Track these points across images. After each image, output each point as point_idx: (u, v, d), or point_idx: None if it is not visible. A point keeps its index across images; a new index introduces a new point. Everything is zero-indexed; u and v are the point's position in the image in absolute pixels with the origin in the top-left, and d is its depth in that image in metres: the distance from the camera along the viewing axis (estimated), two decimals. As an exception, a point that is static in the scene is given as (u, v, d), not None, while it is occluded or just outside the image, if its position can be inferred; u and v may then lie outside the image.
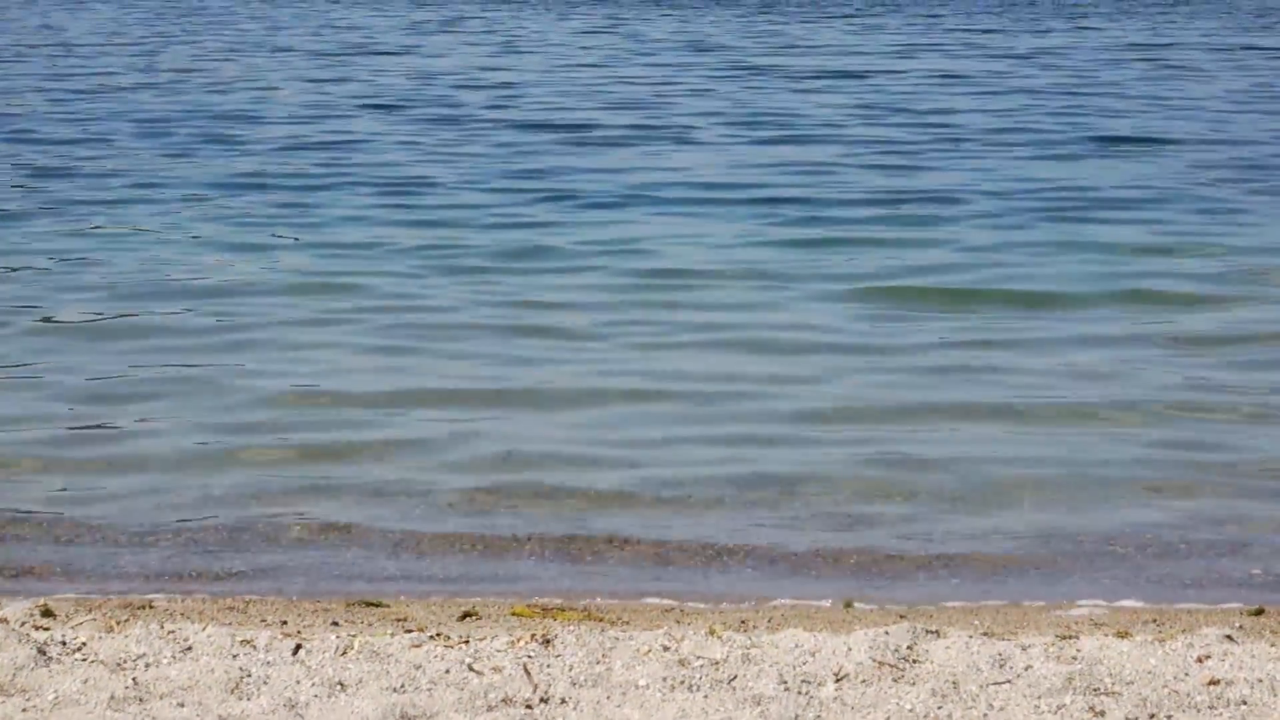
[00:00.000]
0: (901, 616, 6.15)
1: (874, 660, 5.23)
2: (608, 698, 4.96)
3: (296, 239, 13.01)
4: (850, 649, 5.32)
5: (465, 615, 6.21)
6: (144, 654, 5.30)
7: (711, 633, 5.58)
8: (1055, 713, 4.82)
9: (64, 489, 7.72)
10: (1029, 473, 7.84)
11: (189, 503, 7.52)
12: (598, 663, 5.24)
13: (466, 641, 5.48)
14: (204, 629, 5.57)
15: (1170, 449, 8.19)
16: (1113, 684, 5.05)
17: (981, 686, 5.04)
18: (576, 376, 9.37)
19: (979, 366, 9.45)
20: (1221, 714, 4.84)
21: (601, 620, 6.12)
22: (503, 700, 4.93)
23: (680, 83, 25.51)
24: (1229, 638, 5.53)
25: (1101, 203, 14.69)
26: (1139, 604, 6.49)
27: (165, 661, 5.25)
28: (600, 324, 10.42)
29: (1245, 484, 7.69)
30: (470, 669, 5.18)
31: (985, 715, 4.84)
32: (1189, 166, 16.56)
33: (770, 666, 5.18)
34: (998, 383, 9.08)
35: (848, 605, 6.46)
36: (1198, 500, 7.51)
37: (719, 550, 7.04)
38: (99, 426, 8.53)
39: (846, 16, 42.09)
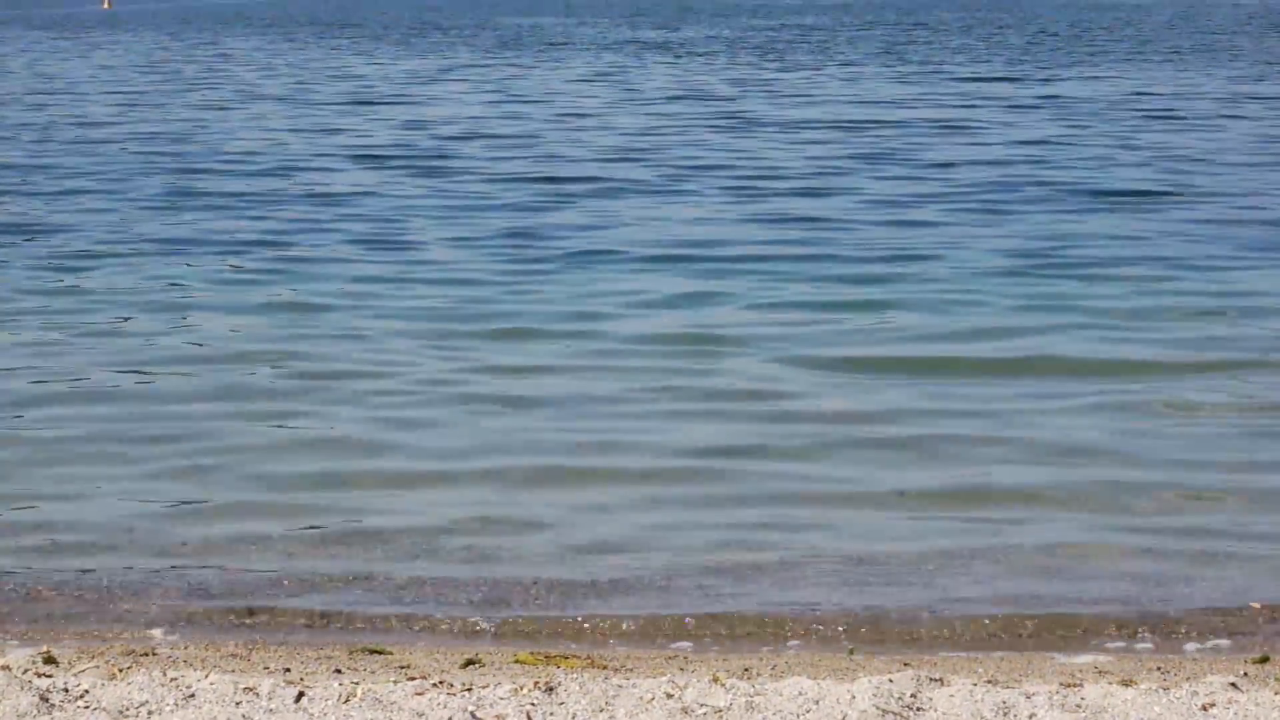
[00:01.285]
0: (905, 664, 6.15)
1: (878, 708, 5.22)
2: (611, 745, 4.96)
3: (273, 297, 12.83)
4: (854, 697, 5.31)
5: (468, 662, 6.20)
6: (146, 701, 5.29)
7: (715, 680, 5.57)
8: (1060, 761, 4.81)
9: (65, 534, 7.72)
10: (1030, 523, 7.83)
11: (191, 549, 7.52)
12: (601, 710, 5.23)
13: (470, 689, 5.47)
14: (206, 676, 5.56)
15: (1170, 494, 8.20)
16: (1117, 731, 5.05)
17: (986, 734, 5.04)
18: (570, 433, 9.37)
19: (964, 437, 9.32)
20: (1227, 762, 4.83)
21: (605, 668, 6.11)
22: (506, 748, 4.92)
23: (670, 132, 25.51)
24: (1234, 685, 5.52)
25: (1097, 261, 14.38)
26: (1143, 652, 6.48)
27: (168, 709, 5.25)
28: (583, 388, 10.33)
29: (1249, 532, 7.69)
30: (473, 716, 5.17)
31: (990, 763, 4.83)
32: (1190, 221, 16.39)
33: (774, 715, 5.17)
34: (988, 452, 8.90)
35: (851, 653, 6.46)
36: (1200, 548, 7.50)
37: (722, 595, 7.03)
38: (97, 476, 8.53)
39: (846, 64, 42.26)
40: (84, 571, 7.27)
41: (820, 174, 20.27)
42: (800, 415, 9.49)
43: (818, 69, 41.72)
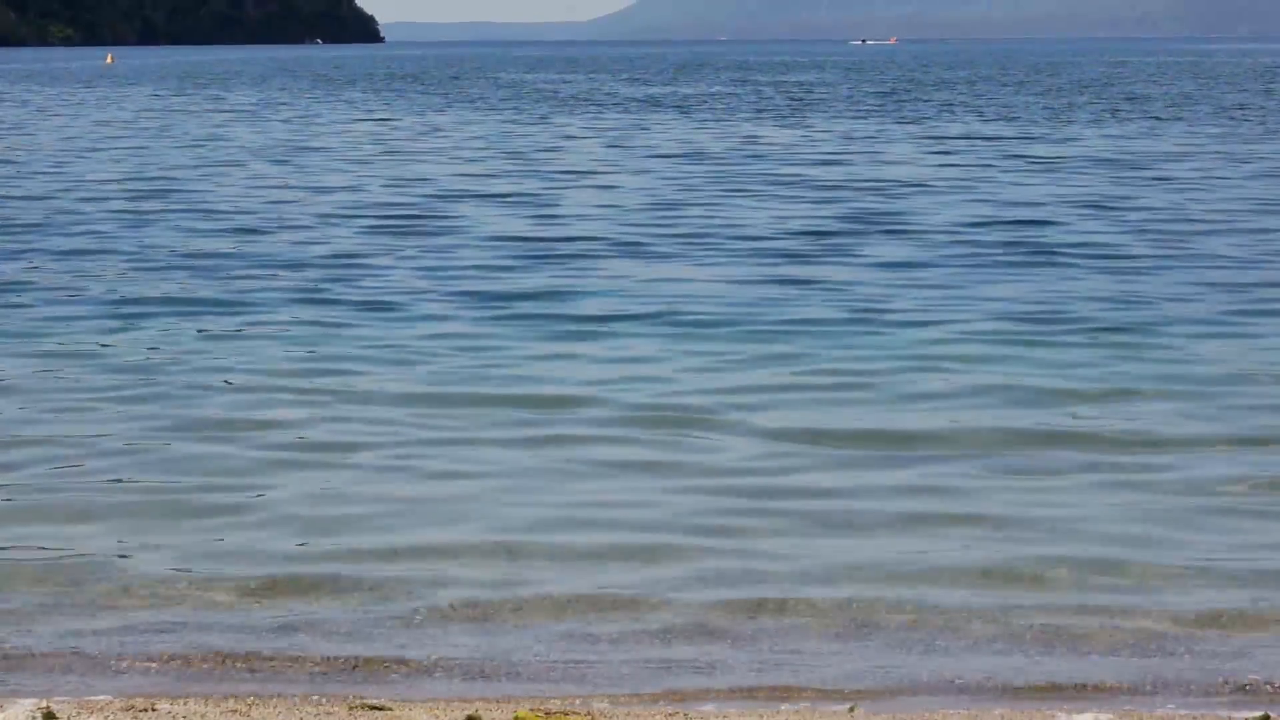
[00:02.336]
0: (907, 721, 6.14)
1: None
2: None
3: (258, 363, 12.62)
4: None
5: (468, 719, 6.18)
6: (148, 755, 5.28)
7: (717, 736, 5.55)
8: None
9: (66, 590, 7.70)
10: (1027, 585, 7.83)
11: (191, 604, 7.50)
12: (603, 766, 5.22)
13: (471, 744, 5.45)
14: (208, 730, 5.54)
15: (1171, 551, 8.21)
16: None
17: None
18: (565, 495, 9.40)
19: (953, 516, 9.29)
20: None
21: (605, 723, 6.10)
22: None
23: (668, 192, 25.51)
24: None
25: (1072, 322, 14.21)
26: (1141, 710, 6.48)
27: (170, 762, 5.23)
28: (575, 454, 10.31)
29: (1245, 590, 7.68)
30: (476, 771, 5.15)
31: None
32: (1180, 285, 16.15)
33: (777, 771, 5.16)
34: (984, 523, 8.80)
35: (851, 710, 6.45)
36: (1199, 604, 7.50)
37: (723, 651, 7.02)
38: (94, 533, 8.51)
39: (838, 117, 42.40)
40: (84, 626, 7.25)
41: (805, 234, 20.16)
42: (785, 491, 9.22)
43: (815, 126, 41.86)
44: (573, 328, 13.99)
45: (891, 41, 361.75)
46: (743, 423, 10.63)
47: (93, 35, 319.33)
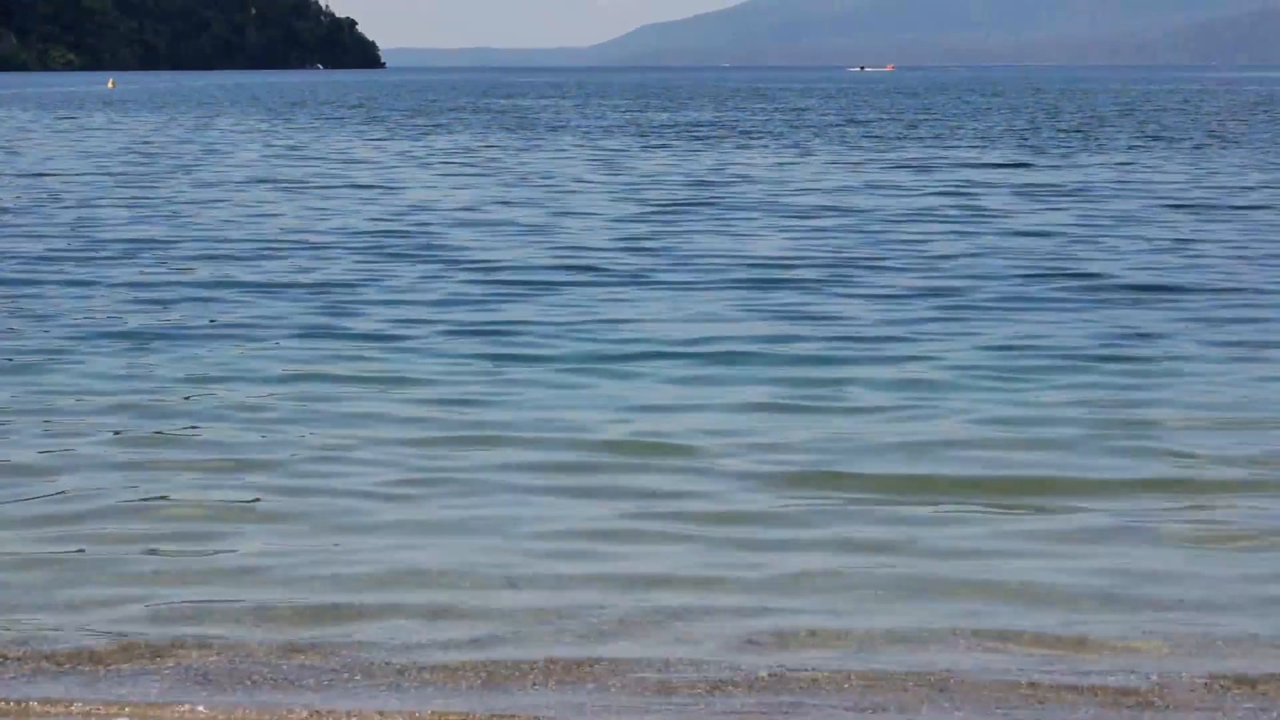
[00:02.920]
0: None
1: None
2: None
3: (228, 393, 12.39)
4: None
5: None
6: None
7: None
8: None
9: (59, 612, 7.66)
10: (1026, 609, 7.79)
11: (188, 635, 7.45)
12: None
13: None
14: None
15: (1170, 586, 8.16)
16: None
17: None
18: (558, 524, 9.34)
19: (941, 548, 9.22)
20: None
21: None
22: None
23: (656, 222, 25.43)
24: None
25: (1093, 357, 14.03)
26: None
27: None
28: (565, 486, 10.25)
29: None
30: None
31: None
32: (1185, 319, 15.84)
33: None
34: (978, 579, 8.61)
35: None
36: (1201, 635, 7.46)
37: (722, 677, 6.96)
38: (88, 580, 8.45)
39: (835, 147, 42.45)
40: (79, 652, 7.20)
41: (797, 265, 19.94)
42: (774, 543, 8.86)
43: (809, 155, 41.91)
44: (561, 360, 13.86)
45: (889, 69, 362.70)
46: (725, 462, 10.37)
47: (94, 60, 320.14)
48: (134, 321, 15.64)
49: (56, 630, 7.46)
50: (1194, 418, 11.52)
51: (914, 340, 14.58)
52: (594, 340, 14.55)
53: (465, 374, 13.13)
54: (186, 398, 12.24)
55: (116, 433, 11.15)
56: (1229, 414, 11.64)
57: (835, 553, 8.57)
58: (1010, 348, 14.13)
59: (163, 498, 9.56)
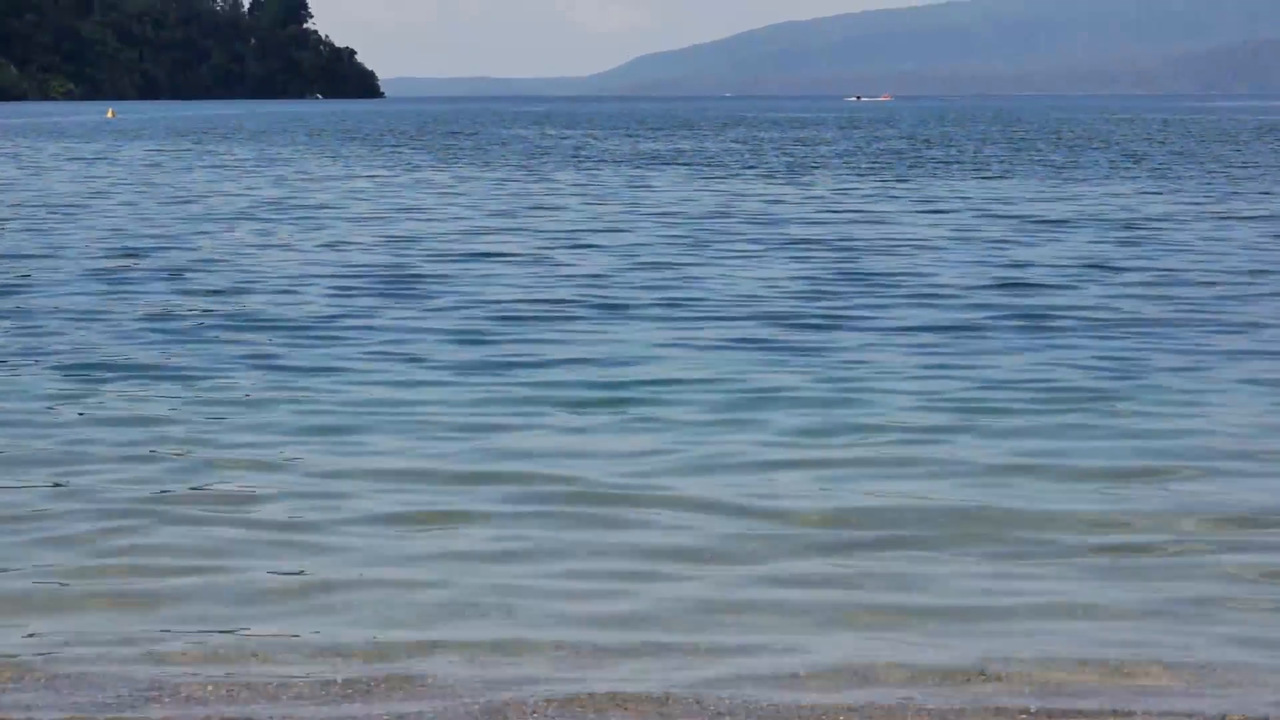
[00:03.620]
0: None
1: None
2: None
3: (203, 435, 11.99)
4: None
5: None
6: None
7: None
8: None
9: (57, 632, 7.65)
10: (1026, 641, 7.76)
11: (189, 660, 7.44)
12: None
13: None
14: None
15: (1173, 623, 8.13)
16: None
17: None
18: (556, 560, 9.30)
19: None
20: None
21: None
22: None
23: (649, 254, 25.26)
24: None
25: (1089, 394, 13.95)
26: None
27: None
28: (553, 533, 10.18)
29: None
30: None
31: None
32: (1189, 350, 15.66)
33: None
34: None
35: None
36: (1201, 666, 7.44)
37: (724, 708, 6.94)
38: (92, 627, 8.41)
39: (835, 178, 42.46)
40: (80, 675, 7.18)
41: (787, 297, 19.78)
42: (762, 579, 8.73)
43: (809, 185, 41.94)
44: (560, 395, 13.76)
45: (885, 98, 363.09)
46: (702, 499, 10.17)
47: (94, 90, 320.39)
48: (146, 355, 15.65)
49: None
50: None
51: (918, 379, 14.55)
52: (594, 375, 14.32)
53: (466, 406, 13.10)
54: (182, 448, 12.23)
55: (126, 459, 11.17)
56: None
57: (846, 591, 8.56)
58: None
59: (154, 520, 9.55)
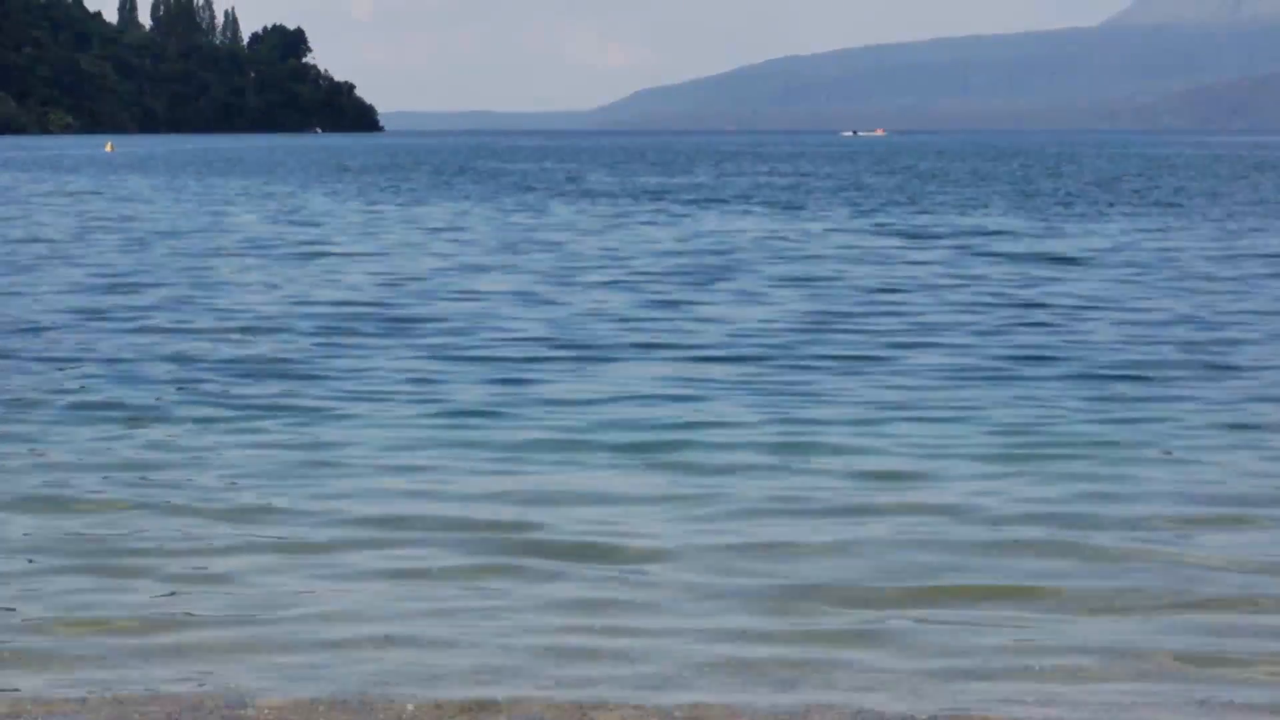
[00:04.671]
0: None
1: None
2: None
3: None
4: None
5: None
6: None
7: None
8: None
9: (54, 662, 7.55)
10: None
11: (190, 682, 7.33)
12: None
13: None
14: None
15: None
16: None
17: None
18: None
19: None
20: None
21: None
22: None
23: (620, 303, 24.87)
24: None
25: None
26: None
27: None
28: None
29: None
30: None
31: None
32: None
33: None
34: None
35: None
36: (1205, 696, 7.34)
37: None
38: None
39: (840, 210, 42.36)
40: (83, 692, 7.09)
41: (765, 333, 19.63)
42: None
43: (795, 222, 41.89)
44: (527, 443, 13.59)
45: (879, 133, 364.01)
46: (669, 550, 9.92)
47: (94, 123, 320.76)
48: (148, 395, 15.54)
49: None
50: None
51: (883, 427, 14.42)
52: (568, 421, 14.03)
53: (431, 452, 12.98)
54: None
55: (139, 498, 11.06)
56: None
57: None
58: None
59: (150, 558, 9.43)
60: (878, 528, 10.43)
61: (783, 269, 28.03)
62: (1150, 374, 16.37)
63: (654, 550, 9.88)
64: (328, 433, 13.44)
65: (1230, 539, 10.15)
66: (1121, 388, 15.52)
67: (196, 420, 14.00)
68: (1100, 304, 22.56)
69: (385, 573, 9.49)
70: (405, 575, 9.41)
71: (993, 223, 40.72)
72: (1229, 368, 16.84)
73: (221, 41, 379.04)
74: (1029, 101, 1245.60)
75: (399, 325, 20.57)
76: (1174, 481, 11.68)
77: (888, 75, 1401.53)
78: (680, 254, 31.30)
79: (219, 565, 9.59)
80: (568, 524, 10.49)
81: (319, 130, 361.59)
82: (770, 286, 25.09)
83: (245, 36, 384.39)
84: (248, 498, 11.18)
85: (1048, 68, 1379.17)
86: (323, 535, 10.23)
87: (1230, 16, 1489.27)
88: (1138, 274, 26.94)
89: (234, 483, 11.64)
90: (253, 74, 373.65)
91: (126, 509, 10.86)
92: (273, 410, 14.46)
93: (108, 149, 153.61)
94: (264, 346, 18.49)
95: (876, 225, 40.18)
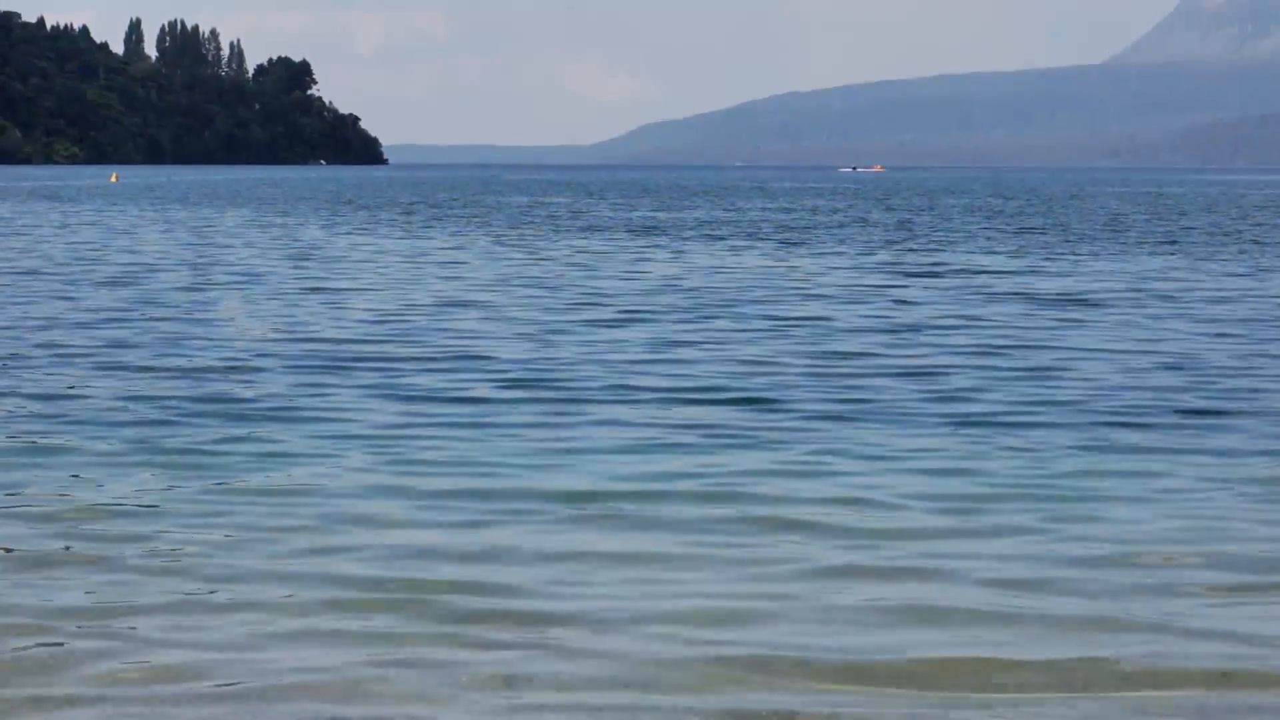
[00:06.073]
0: None
1: None
2: None
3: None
4: None
5: None
6: None
7: None
8: None
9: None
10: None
11: None
12: None
13: None
14: None
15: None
16: None
17: None
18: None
19: None
20: None
21: None
22: None
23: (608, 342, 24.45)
24: None
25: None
26: None
27: None
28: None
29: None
30: None
31: None
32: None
33: None
34: None
35: None
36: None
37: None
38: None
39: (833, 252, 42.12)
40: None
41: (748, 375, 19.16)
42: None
43: (787, 258, 41.57)
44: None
45: (877, 169, 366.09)
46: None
47: (99, 154, 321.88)
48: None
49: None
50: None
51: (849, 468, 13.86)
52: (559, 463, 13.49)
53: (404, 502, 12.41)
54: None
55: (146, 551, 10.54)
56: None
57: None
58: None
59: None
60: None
61: (769, 309, 27.54)
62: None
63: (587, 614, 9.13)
64: (277, 477, 12.87)
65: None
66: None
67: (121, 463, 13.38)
68: (1108, 347, 22.00)
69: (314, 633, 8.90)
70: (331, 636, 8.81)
71: (995, 262, 40.36)
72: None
73: (227, 73, 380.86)
74: (1030, 138, 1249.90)
75: (363, 364, 19.86)
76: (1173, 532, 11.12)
77: (890, 111, 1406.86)
78: (673, 290, 30.90)
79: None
80: (499, 582, 9.80)
81: (323, 162, 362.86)
82: (760, 325, 24.62)
83: (250, 68, 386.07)
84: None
85: (1049, 104, 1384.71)
86: (270, 594, 9.62)
87: (1233, 55, 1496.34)
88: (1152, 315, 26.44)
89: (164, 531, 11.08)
90: (257, 106, 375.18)
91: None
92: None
93: (112, 179, 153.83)
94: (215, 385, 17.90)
95: (878, 263, 39.80)
